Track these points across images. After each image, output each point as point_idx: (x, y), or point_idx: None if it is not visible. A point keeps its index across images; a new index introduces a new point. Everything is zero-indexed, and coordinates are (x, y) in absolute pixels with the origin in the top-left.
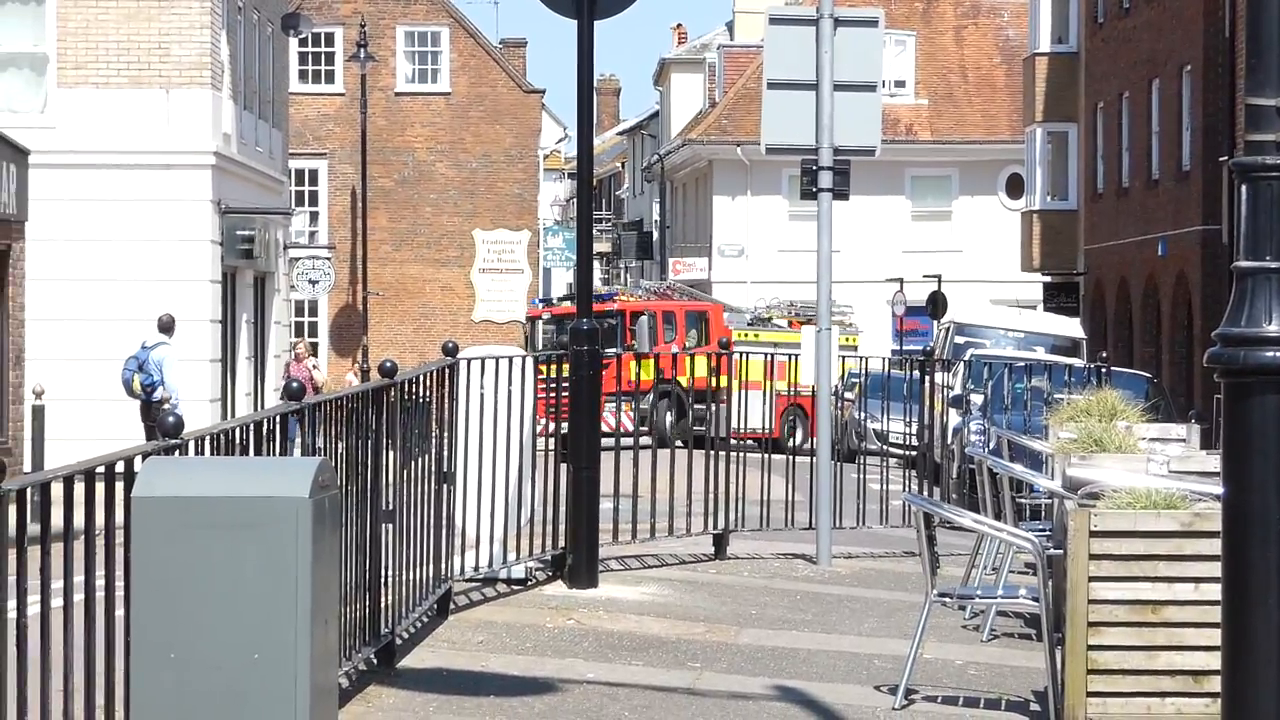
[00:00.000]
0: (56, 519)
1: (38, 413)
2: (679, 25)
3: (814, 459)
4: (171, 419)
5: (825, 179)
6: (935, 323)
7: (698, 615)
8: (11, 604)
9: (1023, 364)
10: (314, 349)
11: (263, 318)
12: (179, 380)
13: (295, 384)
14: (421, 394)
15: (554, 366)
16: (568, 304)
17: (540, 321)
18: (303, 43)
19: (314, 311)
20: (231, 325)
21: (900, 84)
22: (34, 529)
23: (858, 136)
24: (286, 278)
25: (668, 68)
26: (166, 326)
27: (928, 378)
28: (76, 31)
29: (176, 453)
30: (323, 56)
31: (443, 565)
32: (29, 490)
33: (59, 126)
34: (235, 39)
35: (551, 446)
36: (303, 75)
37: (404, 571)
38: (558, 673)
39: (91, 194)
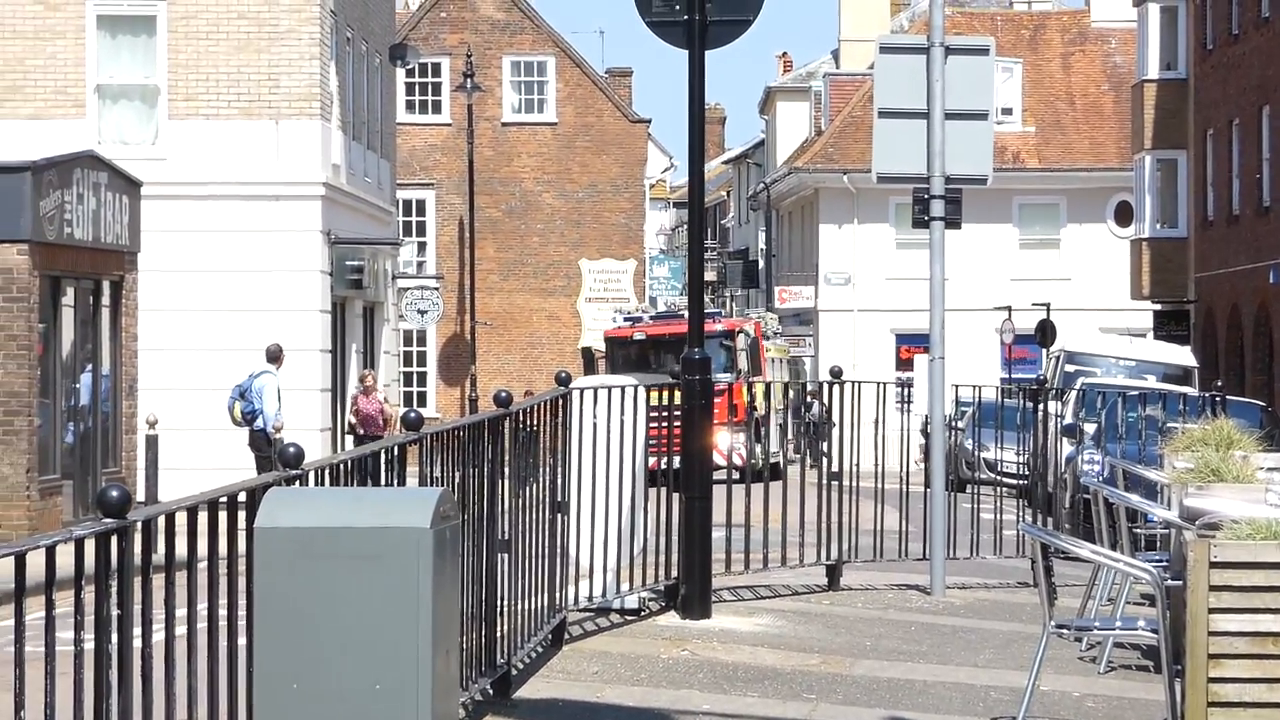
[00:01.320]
0: (176, 548)
1: (151, 442)
2: (784, 54)
3: (928, 489)
4: (293, 449)
5: (937, 207)
6: (1044, 351)
7: (812, 646)
8: (136, 633)
9: (1136, 393)
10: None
11: (372, 347)
12: (276, 408)
13: (414, 414)
14: (534, 423)
15: (665, 394)
16: (651, 322)
17: (625, 343)
18: (410, 73)
19: (422, 341)
20: (341, 355)
21: (1007, 111)
22: (157, 559)
23: (969, 165)
24: (395, 308)
25: (773, 96)
26: (274, 356)
27: (1040, 407)
28: (187, 64)
29: (297, 483)
30: (430, 87)
31: (557, 595)
32: (153, 521)
33: (170, 158)
34: (344, 70)
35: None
36: (410, 106)
37: (519, 601)
38: (673, 704)
39: (202, 225)
